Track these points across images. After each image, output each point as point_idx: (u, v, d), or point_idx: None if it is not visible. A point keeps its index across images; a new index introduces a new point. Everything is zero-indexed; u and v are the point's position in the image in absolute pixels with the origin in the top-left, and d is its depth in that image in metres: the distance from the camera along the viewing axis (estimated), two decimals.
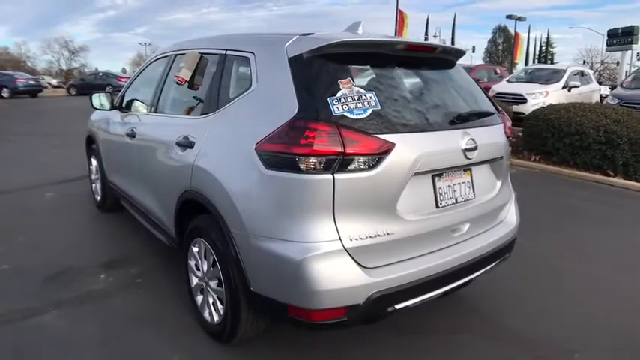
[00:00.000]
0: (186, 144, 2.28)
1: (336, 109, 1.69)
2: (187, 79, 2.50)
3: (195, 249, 2.30)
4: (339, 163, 1.64)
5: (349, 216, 1.69)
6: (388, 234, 1.76)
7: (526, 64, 36.07)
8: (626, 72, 19.86)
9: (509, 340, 2.32)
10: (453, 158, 1.95)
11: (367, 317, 1.77)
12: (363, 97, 1.76)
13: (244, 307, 1.97)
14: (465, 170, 2.07)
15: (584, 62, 40.28)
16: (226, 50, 2.30)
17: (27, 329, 2.37)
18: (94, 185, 4.37)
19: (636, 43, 20.53)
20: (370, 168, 1.69)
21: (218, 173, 1.97)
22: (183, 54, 2.70)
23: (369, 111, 1.74)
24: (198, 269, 2.31)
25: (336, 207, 1.66)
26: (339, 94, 1.73)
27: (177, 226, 2.46)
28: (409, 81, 2.06)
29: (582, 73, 10.71)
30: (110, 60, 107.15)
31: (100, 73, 27.93)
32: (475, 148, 1.99)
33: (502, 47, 57.72)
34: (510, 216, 2.41)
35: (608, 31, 21.72)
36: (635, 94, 8.74)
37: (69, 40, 45.58)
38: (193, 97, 2.48)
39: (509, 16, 29.22)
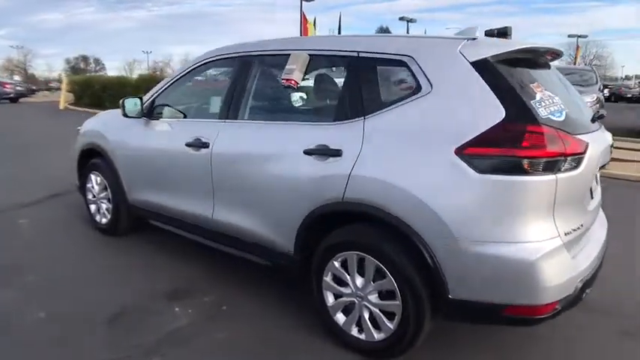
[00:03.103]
0: (327, 152, 2.11)
1: (542, 112, 1.76)
2: (299, 82, 2.32)
3: (337, 264, 2.16)
4: (560, 163, 1.71)
5: (562, 213, 1.78)
6: (582, 226, 1.90)
7: None
8: None
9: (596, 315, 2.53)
10: (605, 155, 2.16)
11: (571, 305, 1.88)
12: (555, 99, 1.85)
13: (429, 316, 1.94)
14: None
15: None
16: (359, 52, 2.19)
17: None
18: (93, 206, 3.72)
19: None
20: (576, 166, 1.79)
21: (403, 182, 1.88)
22: (274, 55, 2.50)
23: (564, 113, 1.84)
24: (341, 285, 2.18)
25: (556, 205, 1.74)
26: (537, 97, 1.80)
27: (303, 242, 2.27)
28: (553, 85, 2.19)
29: None
30: None
31: None
32: (612, 146, 2.23)
33: None
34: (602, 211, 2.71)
35: (485, 31, 24.62)
36: None
37: None
38: (316, 101, 2.31)
39: (401, 18, 31.30)
